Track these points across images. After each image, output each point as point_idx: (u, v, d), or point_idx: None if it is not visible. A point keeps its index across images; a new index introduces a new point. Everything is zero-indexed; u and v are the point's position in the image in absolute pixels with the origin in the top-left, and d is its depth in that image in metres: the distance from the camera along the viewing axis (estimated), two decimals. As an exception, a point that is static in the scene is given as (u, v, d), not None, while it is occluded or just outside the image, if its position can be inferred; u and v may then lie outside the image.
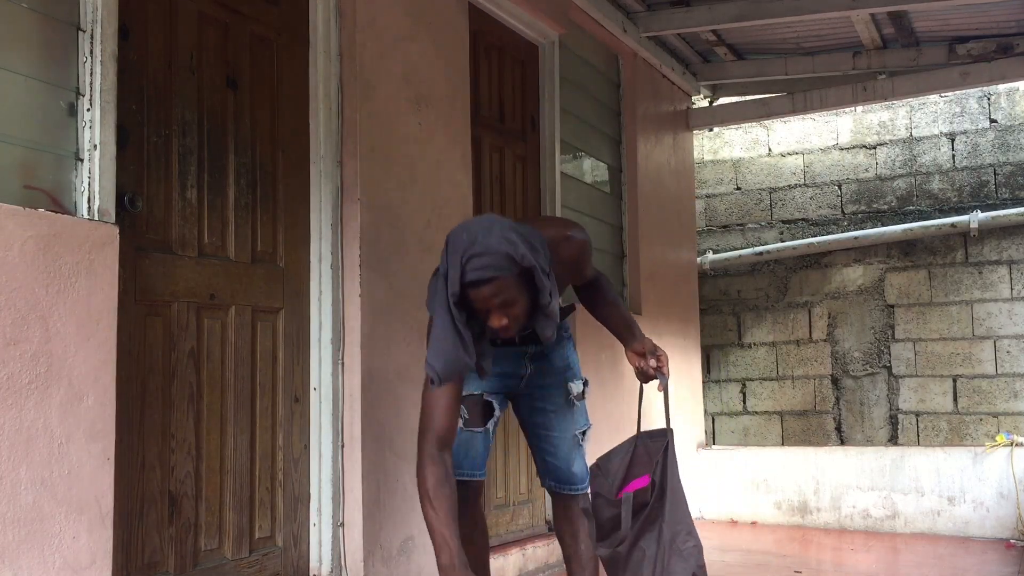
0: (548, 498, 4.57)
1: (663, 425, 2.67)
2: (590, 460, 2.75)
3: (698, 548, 2.64)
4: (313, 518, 3.20)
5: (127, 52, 2.60)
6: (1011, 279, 6.20)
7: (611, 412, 4.98)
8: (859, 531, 5.56)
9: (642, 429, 2.75)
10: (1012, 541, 5.12)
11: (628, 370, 5.16)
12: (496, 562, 3.90)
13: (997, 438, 5.46)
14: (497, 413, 2.70)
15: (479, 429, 2.65)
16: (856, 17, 5.32)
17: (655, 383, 2.72)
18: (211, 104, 2.91)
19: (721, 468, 6.06)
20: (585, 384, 2.73)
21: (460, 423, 2.60)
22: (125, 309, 2.50)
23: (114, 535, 2.37)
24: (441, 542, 2.21)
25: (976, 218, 6.18)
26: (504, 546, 4.14)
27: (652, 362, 2.69)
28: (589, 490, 2.71)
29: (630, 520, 2.57)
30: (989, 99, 6.40)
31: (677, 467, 2.66)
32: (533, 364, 2.67)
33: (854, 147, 6.78)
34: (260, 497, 3.01)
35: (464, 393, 2.56)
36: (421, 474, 2.31)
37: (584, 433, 2.73)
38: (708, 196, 7.19)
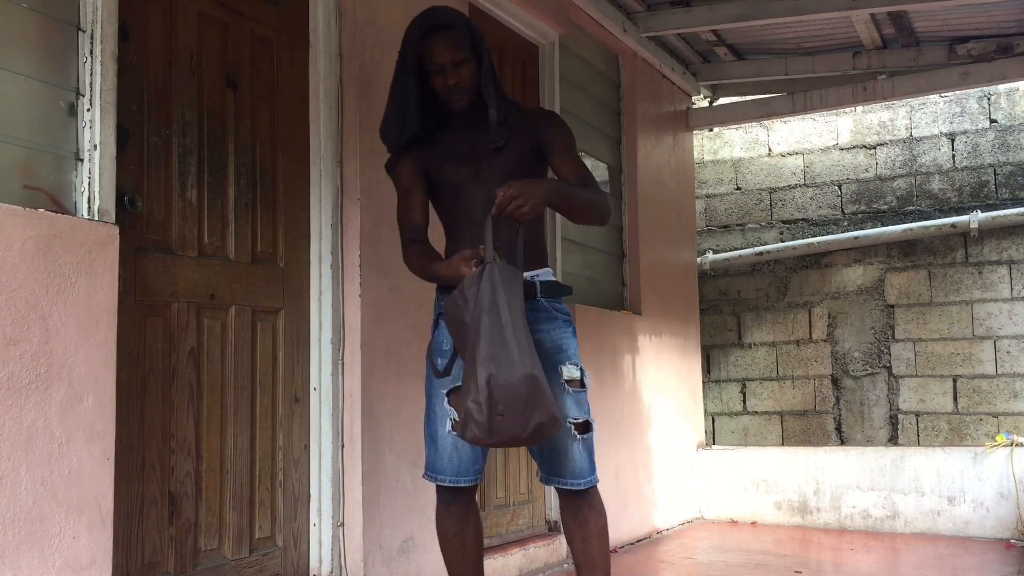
0: (548, 498, 4.58)
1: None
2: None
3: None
4: (313, 518, 3.20)
5: (127, 52, 2.60)
6: (1011, 279, 6.20)
7: (612, 412, 4.98)
8: (859, 531, 5.56)
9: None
10: (1012, 541, 5.12)
11: (628, 370, 5.18)
12: (496, 562, 3.90)
13: (997, 438, 5.46)
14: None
15: None
16: (856, 17, 5.32)
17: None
18: (211, 104, 2.91)
19: (721, 468, 6.06)
20: (582, 373, 2.57)
21: (449, 425, 2.53)
22: (125, 309, 2.50)
23: (114, 535, 2.37)
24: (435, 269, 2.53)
25: (976, 218, 6.18)
26: (504, 546, 4.14)
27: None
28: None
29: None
30: (989, 99, 6.40)
31: (493, 295, 2.32)
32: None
33: (854, 147, 6.78)
34: (260, 497, 3.01)
35: (453, 386, 2.52)
36: (407, 258, 2.62)
37: (585, 426, 2.53)
38: (708, 196, 7.19)
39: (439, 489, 2.64)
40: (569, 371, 2.53)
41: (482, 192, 2.59)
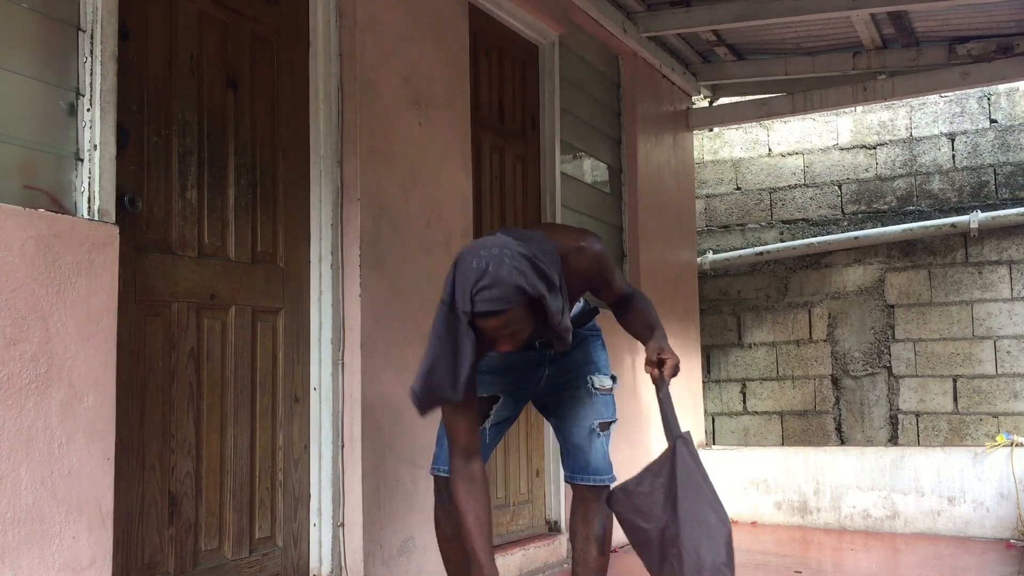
0: (548, 498, 4.58)
1: (666, 435, 2.55)
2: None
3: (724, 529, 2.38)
4: (313, 518, 3.20)
5: (127, 52, 2.60)
6: (1011, 279, 6.20)
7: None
8: (859, 531, 5.56)
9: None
10: (1012, 541, 5.12)
11: (628, 370, 5.18)
12: (496, 562, 3.89)
13: (997, 438, 5.46)
14: (504, 417, 2.67)
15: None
16: (856, 17, 5.31)
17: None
18: (211, 104, 2.91)
19: (721, 468, 6.06)
20: (613, 380, 2.67)
21: None
22: (125, 309, 2.50)
23: (114, 535, 2.37)
24: (475, 559, 2.35)
25: (976, 218, 6.18)
26: (504, 546, 4.14)
27: (654, 369, 2.49)
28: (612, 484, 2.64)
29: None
30: (989, 99, 6.40)
31: (691, 468, 2.43)
32: (552, 367, 2.68)
33: (854, 147, 6.78)
34: (260, 497, 3.01)
35: (485, 394, 2.61)
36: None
37: (608, 425, 2.64)
38: (708, 196, 7.19)
39: (437, 487, 2.66)
40: (601, 380, 2.67)
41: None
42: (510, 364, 2.63)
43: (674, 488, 2.38)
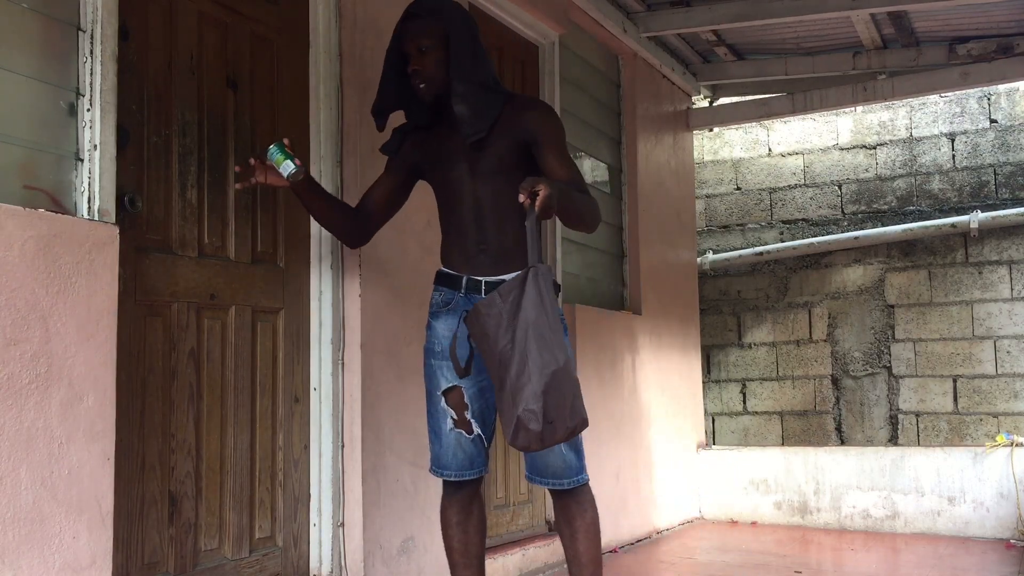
0: (548, 498, 4.58)
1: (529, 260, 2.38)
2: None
3: (529, 388, 2.25)
4: (313, 518, 3.20)
5: (127, 52, 2.60)
6: (1011, 279, 6.20)
7: (612, 412, 4.98)
8: (859, 531, 5.56)
9: None
10: (1012, 541, 5.12)
11: (628, 370, 5.18)
12: (496, 562, 3.90)
13: (997, 438, 5.46)
14: (475, 409, 2.60)
15: (469, 436, 2.60)
16: (856, 17, 5.32)
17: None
18: (211, 104, 2.91)
19: (721, 468, 6.06)
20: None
21: (450, 423, 2.59)
22: (125, 309, 2.50)
23: (114, 535, 2.36)
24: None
25: (976, 218, 6.18)
26: (504, 546, 4.14)
27: (526, 198, 2.29)
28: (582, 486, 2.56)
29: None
30: (989, 99, 6.40)
31: (539, 297, 2.31)
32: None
33: (854, 147, 6.78)
34: (260, 497, 3.01)
35: (445, 386, 2.59)
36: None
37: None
38: (708, 196, 7.19)
39: (444, 483, 2.65)
40: None
41: (468, 191, 2.61)
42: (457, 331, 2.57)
43: (516, 316, 2.30)
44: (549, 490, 2.59)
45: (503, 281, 2.50)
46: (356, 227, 2.79)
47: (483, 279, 2.60)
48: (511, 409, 2.25)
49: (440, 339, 2.63)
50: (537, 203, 2.25)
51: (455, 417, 2.59)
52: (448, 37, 2.56)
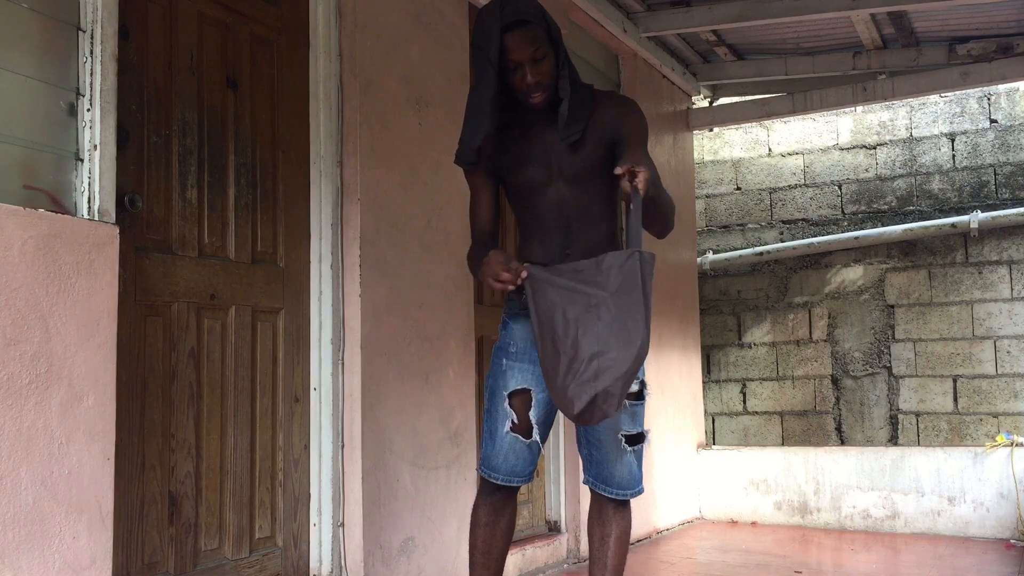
0: (548, 498, 4.58)
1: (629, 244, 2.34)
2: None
3: (613, 370, 2.20)
4: (313, 518, 3.20)
5: (127, 52, 2.60)
6: (1011, 279, 6.20)
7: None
8: (859, 531, 5.56)
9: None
10: (1012, 541, 5.12)
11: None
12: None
13: (997, 438, 5.46)
14: (539, 415, 2.55)
15: (526, 440, 2.53)
16: (856, 17, 5.31)
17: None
18: (211, 104, 2.91)
19: (721, 468, 6.06)
20: (643, 386, 2.54)
21: (508, 426, 2.52)
22: (125, 309, 2.50)
23: (114, 535, 2.37)
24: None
25: (976, 218, 6.18)
26: (504, 546, 4.13)
27: (627, 182, 2.24)
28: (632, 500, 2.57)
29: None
30: (989, 99, 6.40)
31: (640, 282, 2.27)
32: None
33: (854, 147, 6.78)
34: (260, 497, 3.01)
35: (515, 387, 2.51)
36: (468, 254, 2.51)
37: (636, 437, 2.53)
38: (708, 196, 7.19)
39: (482, 481, 2.60)
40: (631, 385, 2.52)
41: (554, 193, 2.51)
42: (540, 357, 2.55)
43: (609, 288, 2.24)
44: (593, 492, 2.58)
45: None
46: None
47: None
48: (591, 383, 2.19)
49: (517, 340, 2.56)
50: (639, 183, 2.20)
51: (515, 420, 2.52)
52: (550, 38, 2.43)
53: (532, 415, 2.53)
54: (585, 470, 2.60)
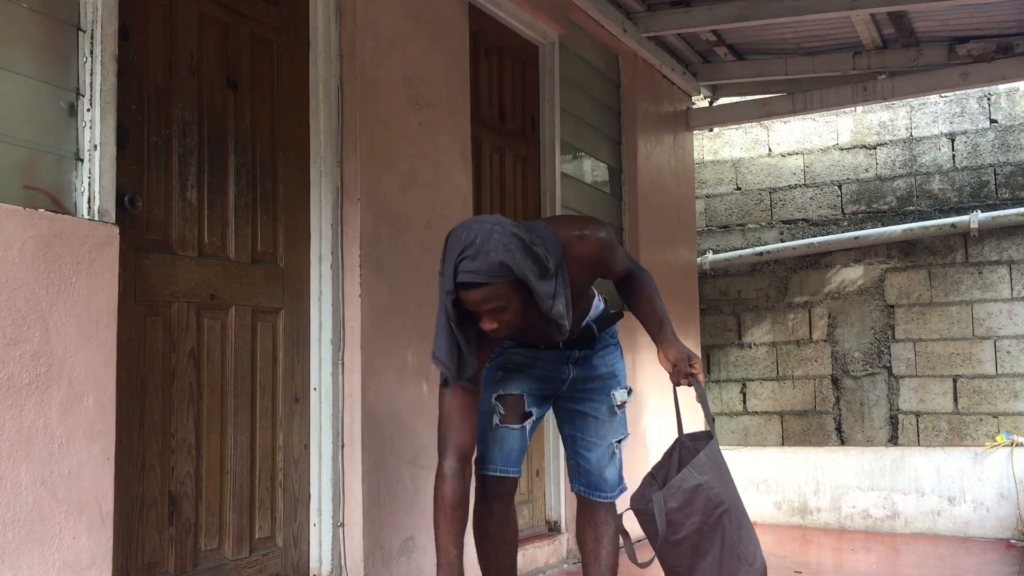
0: (548, 498, 4.58)
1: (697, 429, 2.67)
2: (629, 470, 2.74)
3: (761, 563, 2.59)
4: (313, 518, 3.20)
5: (127, 52, 2.60)
6: (1011, 279, 6.20)
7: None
8: (859, 531, 5.56)
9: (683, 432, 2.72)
10: (1012, 541, 5.12)
11: (628, 370, 5.17)
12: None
13: (997, 438, 5.46)
14: (535, 415, 2.69)
15: (515, 426, 2.64)
16: (856, 17, 5.31)
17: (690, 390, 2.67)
18: (211, 104, 2.91)
19: (721, 468, 6.06)
20: (629, 392, 2.73)
21: (496, 419, 2.63)
22: (125, 309, 2.50)
23: (114, 535, 2.37)
24: (445, 563, 2.31)
25: (976, 218, 6.18)
26: (504, 546, 4.14)
27: (685, 369, 2.58)
28: (618, 500, 2.70)
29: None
30: (989, 99, 6.40)
31: (726, 467, 2.60)
32: (576, 368, 2.68)
33: (854, 147, 6.78)
34: (260, 497, 3.01)
35: (503, 392, 2.63)
36: (440, 488, 2.34)
37: (620, 442, 2.73)
38: (708, 196, 7.19)
39: (481, 486, 2.66)
40: (620, 395, 2.71)
41: (540, 327, 2.43)
42: (536, 360, 2.65)
43: (719, 483, 2.52)
44: (582, 499, 2.71)
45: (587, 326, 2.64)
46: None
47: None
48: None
49: (529, 362, 2.66)
50: (699, 376, 2.60)
51: (503, 413, 2.64)
52: (516, 287, 2.21)
53: (523, 405, 2.65)
54: (574, 479, 2.73)
